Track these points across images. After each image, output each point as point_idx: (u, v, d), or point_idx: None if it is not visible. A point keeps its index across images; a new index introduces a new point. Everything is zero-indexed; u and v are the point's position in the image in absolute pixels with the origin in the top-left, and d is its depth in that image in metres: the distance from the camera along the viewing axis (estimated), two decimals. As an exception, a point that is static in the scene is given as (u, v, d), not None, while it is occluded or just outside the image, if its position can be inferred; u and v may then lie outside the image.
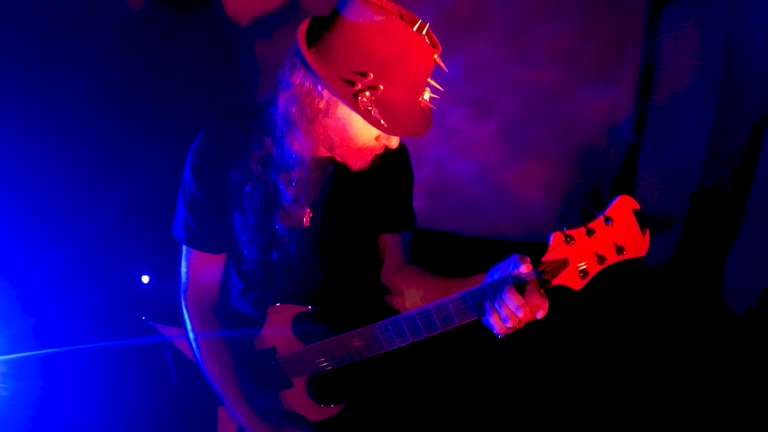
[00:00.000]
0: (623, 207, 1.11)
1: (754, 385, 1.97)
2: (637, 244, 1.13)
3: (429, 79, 1.26)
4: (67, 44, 2.25)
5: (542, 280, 1.18)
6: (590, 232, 1.13)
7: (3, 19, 2.11)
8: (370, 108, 1.19)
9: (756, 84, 2.15)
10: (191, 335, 1.56)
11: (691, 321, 2.32)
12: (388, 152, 1.38)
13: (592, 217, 1.13)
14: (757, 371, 1.98)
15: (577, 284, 1.18)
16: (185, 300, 1.59)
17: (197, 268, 1.57)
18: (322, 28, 1.23)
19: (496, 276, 1.22)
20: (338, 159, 1.39)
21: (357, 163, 1.37)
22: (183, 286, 1.59)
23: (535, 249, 1.20)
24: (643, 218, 1.12)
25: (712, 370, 2.15)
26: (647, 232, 1.13)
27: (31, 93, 2.17)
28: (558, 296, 1.20)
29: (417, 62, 1.20)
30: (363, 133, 1.29)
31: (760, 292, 2.00)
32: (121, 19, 2.45)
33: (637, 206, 1.11)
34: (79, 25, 2.29)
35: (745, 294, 2.08)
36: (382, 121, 1.20)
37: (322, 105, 1.27)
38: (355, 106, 1.19)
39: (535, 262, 1.18)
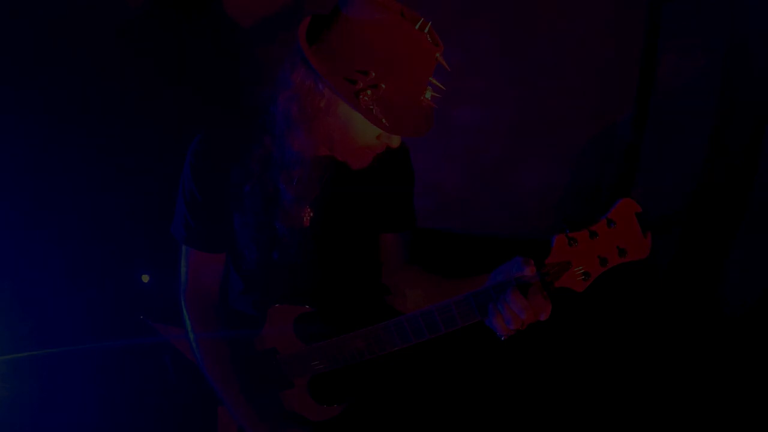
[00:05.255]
0: (626, 209, 1.12)
1: (753, 384, 1.98)
2: (639, 246, 1.13)
3: (431, 78, 1.25)
4: (67, 44, 2.24)
5: (545, 282, 1.18)
6: (593, 235, 1.13)
7: (3, 20, 2.10)
8: (371, 107, 1.18)
9: (757, 83, 2.15)
10: (191, 335, 1.56)
11: (692, 321, 2.32)
12: (389, 151, 1.37)
13: (594, 220, 1.14)
14: (756, 370, 1.99)
15: (580, 286, 1.18)
16: (185, 300, 1.58)
17: (197, 267, 1.57)
18: (323, 27, 1.22)
19: (500, 278, 1.21)
20: (339, 158, 1.38)
21: (358, 163, 1.36)
22: (183, 286, 1.58)
23: (536, 247, 1.19)
24: (644, 220, 1.12)
25: (712, 369, 2.16)
26: (649, 234, 1.13)
27: (30, 93, 2.17)
28: (560, 298, 1.20)
29: (419, 61, 1.19)
30: (364, 132, 1.28)
31: (760, 292, 2.01)
32: (121, 19, 2.45)
33: (639, 209, 1.12)
34: (79, 24, 2.28)
35: (745, 294, 2.08)
36: (383, 120, 1.19)
37: (323, 104, 1.26)
38: (357, 105, 1.18)
39: (539, 264, 1.17)
